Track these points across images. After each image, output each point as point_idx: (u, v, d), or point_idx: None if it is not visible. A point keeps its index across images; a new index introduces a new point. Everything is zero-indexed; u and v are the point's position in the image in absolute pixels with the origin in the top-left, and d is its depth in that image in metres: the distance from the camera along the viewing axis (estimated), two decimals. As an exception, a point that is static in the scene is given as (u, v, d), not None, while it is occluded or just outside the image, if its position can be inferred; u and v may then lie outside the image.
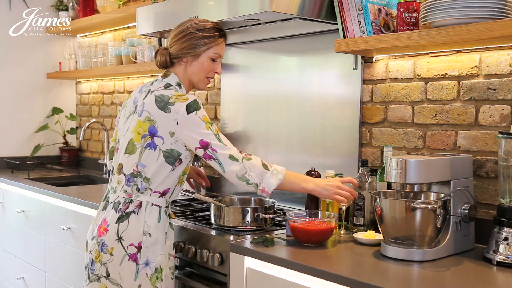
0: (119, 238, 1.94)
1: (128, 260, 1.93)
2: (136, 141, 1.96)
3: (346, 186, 1.97)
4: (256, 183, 1.89)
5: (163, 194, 1.99)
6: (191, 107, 1.91)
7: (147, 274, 1.95)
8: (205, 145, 1.89)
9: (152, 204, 1.97)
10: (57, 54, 4.36)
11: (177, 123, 1.90)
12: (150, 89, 2.01)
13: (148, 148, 1.94)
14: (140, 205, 1.96)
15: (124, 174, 1.99)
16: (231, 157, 1.88)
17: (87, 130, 4.32)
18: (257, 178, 1.89)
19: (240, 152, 1.92)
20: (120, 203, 1.98)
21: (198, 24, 2.01)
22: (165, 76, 2.05)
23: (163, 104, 1.93)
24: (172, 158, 1.95)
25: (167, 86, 2.01)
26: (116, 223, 1.95)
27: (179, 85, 2.03)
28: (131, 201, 1.97)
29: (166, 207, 2.03)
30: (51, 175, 3.91)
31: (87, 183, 3.88)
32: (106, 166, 3.77)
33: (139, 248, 1.94)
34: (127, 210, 1.96)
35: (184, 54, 2.00)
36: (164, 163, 1.94)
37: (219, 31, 2.04)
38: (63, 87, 4.45)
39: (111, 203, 2.01)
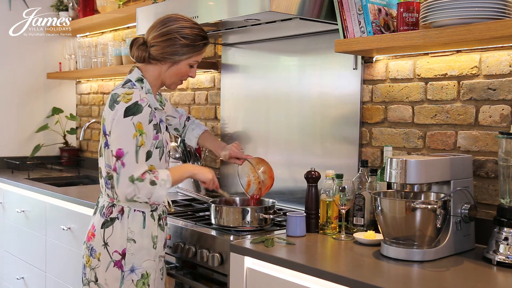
0: (105, 244, 1.93)
1: (113, 266, 1.92)
2: (102, 143, 1.96)
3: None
4: (146, 201, 1.88)
5: None
6: (130, 111, 1.84)
7: (132, 280, 1.93)
8: (119, 156, 1.83)
9: (135, 210, 1.95)
10: (57, 54, 4.36)
11: (113, 124, 1.87)
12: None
13: (106, 148, 1.92)
14: (122, 211, 1.94)
15: (103, 177, 1.98)
16: (131, 178, 1.82)
17: (87, 130, 4.31)
18: (145, 197, 1.85)
19: (143, 173, 1.84)
20: (104, 207, 1.97)
21: (183, 28, 1.93)
22: (129, 72, 2.00)
23: (112, 102, 1.89)
24: None
25: (126, 82, 1.96)
26: (101, 228, 1.94)
27: (140, 80, 1.96)
28: (113, 205, 1.95)
29: (153, 210, 1.99)
30: (51, 175, 3.91)
31: (87, 183, 3.88)
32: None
33: (123, 255, 1.92)
34: (111, 216, 1.94)
35: (164, 59, 1.95)
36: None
37: (204, 39, 1.98)
38: (63, 87, 4.45)
39: (98, 207, 2.01)
